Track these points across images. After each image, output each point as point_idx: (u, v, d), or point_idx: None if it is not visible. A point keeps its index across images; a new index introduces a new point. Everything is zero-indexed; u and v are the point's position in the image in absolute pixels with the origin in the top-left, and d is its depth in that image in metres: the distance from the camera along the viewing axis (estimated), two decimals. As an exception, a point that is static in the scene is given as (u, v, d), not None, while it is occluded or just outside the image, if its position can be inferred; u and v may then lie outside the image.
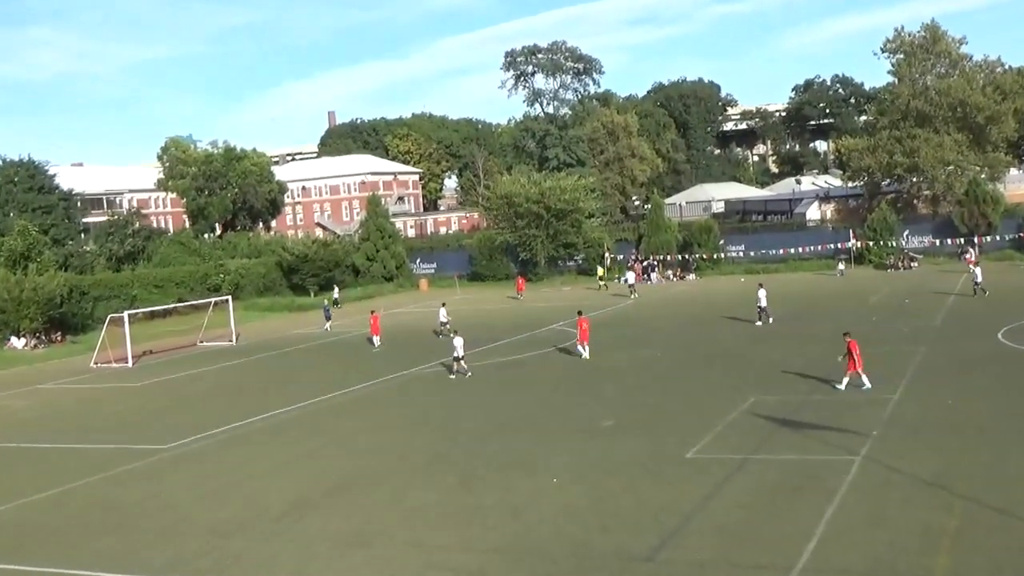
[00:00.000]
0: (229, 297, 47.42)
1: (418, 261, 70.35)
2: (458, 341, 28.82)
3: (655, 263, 59.80)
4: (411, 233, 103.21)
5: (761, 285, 36.80)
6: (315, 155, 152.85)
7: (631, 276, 52.96)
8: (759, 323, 35.05)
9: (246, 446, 21.92)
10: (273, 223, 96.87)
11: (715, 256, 59.81)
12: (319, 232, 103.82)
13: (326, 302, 48.19)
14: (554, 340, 35.13)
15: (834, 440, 17.84)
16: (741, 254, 60.86)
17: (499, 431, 21.24)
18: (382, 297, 60.77)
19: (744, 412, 20.89)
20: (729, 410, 21.08)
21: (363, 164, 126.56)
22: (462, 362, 28.49)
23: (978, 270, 40.58)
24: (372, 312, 39.96)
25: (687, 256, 60.13)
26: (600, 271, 57.89)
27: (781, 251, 58.80)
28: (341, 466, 19.18)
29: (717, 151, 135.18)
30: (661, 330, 36.38)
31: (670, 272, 59.61)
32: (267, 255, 67.69)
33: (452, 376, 28.48)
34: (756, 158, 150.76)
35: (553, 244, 62.49)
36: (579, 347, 30.48)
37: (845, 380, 22.35)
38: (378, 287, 64.27)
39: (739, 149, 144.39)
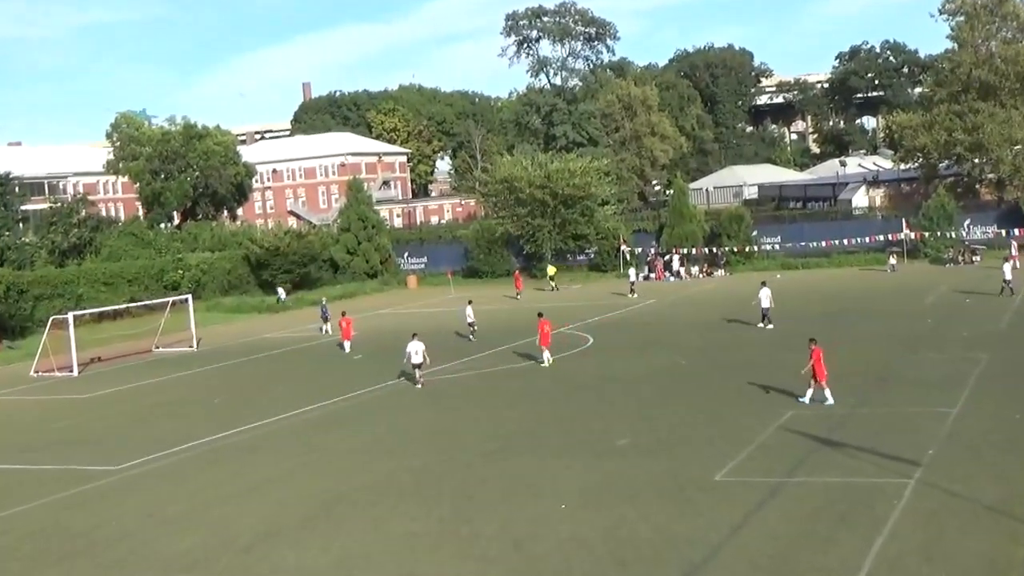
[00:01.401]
0: (189, 296, 47.65)
1: (406, 255, 70.44)
2: (416, 346, 29.36)
3: (678, 257, 60.10)
4: (398, 223, 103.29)
5: (764, 283, 37.18)
6: (288, 133, 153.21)
7: (632, 272, 53.07)
8: (764, 325, 35.50)
9: (210, 466, 22.03)
10: (239, 211, 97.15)
11: (747, 249, 59.80)
12: (292, 222, 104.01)
13: (324, 300, 48.38)
14: (561, 346, 35.32)
15: (883, 460, 17.86)
16: (777, 247, 60.88)
17: (499, 450, 21.33)
18: (364, 296, 60.99)
19: (779, 428, 20.92)
20: (762, 426, 21.11)
21: (342, 143, 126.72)
22: (418, 370, 29.29)
23: (1007, 266, 40.86)
24: (343, 314, 40.37)
25: (715, 249, 60.20)
26: (551, 270, 58.16)
27: (823, 243, 58.75)
28: (319, 490, 19.27)
29: (749, 129, 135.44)
30: (684, 333, 36.46)
31: (695, 268, 59.84)
32: (233, 248, 67.82)
33: (418, 385, 29.18)
34: (794, 136, 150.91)
35: (561, 235, 62.59)
36: (544, 354, 31.36)
37: (827, 391, 22.68)
38: (360, 285, 64.38)
39: (774, 126, 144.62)
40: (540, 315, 32.57)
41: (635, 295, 49.93)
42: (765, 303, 36.03)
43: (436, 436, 23.18)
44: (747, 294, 45.90)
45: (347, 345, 38.30)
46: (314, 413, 26.97)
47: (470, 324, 38.37)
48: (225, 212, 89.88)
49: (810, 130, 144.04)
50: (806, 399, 22.80)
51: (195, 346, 43.70)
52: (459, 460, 20.68)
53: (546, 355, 31.25)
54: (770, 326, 35.60)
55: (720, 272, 58.84)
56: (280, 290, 59.43)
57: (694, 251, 60.33)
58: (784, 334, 34.12)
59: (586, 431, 22.31)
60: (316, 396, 29.04)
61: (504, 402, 26.57)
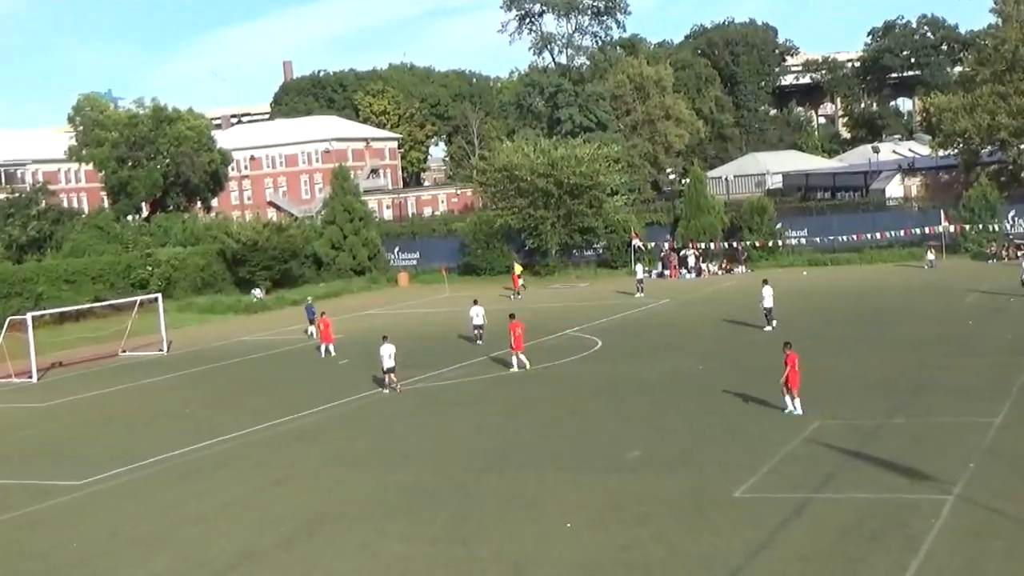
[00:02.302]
0: (159, 295, 47.63)
1: (396, 250, 70.56)
2: (387, 349, 29.82)
3: (695, 252, 60.12)
4: (388, 215, 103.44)
5: (766, 281, 37.48)
6: (267, 117, 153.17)
7: (639, 269, 53.09)
8: (769, 328, 35.86)
9: (181, 482, 22.00)
10: (214, 202, 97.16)
11: (770, 244, 59.87)
12: (272, 213, 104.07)
13: (310, 300, 48.33)
14: (567, 350, 35.23)
15: (919, 475, 17.85)
16: (803, 240, 60.86)
17: (498, 463, 21.32)
18: (351, 295, 61.06)
19: (806, 440, 20.93)
20: (787, 437, 21.12)
21: (327, 128, 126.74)
22: (392, 375, 29.87)
23: None
24: (322, 315, 40.55)
25: (735, 244, 60.25)
26: (517, 268, 58.22)
27: (854, 237, 58.73)
28: (300, 508, 19.27)
29: (773, 112, 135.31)
30: (701, 336, 36.53)
31: (713, 264, 59.88)
32: (207, 242, 67.76)
33: (386, 391, 29.84)
34: (822, 120, 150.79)
35: (566, 229, 62.61)
36: (513, 357, 31.95)
37: (796, 401, 23.02)
38: (345, 283, 64.39)
39: (801, 109, 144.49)
40: (512, 316, 32.95)
41: (642, 294, 49.99)
42: (768, 302, 36.43)
43: (429, 448, 23.17)
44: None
45: (328, 348, 38.33)
46: (295, 424, 26.99)
47: (477, 327, 37.92)
48: (198, 203, 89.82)
49: (840, 113, 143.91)
50: (796, 408, 22.99)
51: (165, 350, 43.66)
52: (454, 475, 20.64)
53: (520, 359, 31.81)
54: (771, 327, 35.92)
55: (740, 269, 58.80)
56: (256, 289, 59.48)
57: (712, 246, 60.32)
58: (812, 337, 34.14)
59: (593, 443, 22.33)
60: (297, 405, 29.03)
61: (504, 411, 26.57)
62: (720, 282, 55.19)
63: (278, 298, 58.99)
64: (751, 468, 19.13)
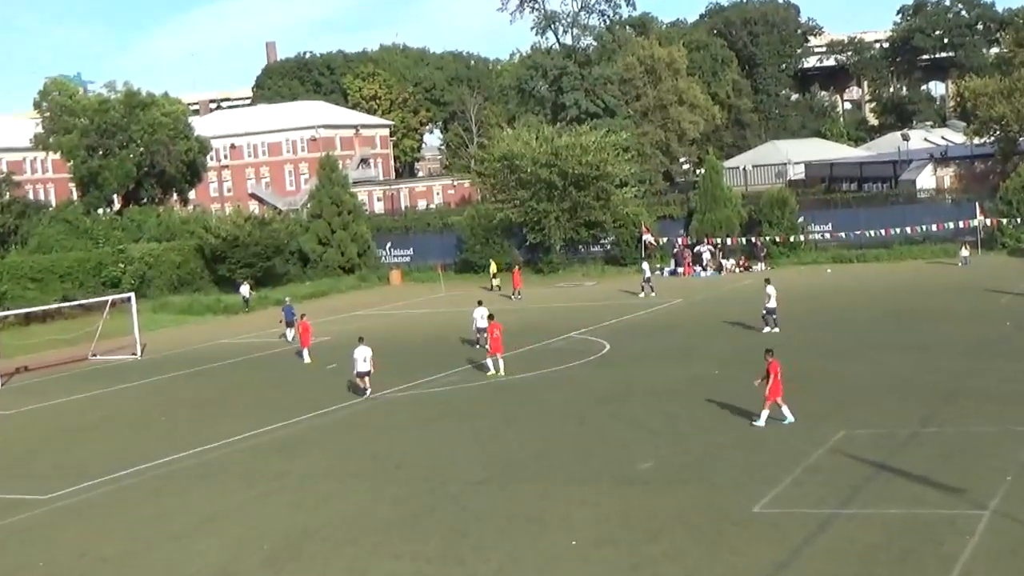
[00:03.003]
0: (132, 295, 47.55)
1: (388, 246, 70.58)
2: (362, 351, 30.20)
3: (710, 248, 60.13)
4: (379, 208, 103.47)
5: (768, 281, 37.91)
6: (248, 102, 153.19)
7: (645, 267, 52.85)
8: (768, 329, 36.18)
9: (156, 497, 21.94)
10: (192, 194, 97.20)
11: (792, 239, 59.77)
12: (254, 206, 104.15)
13: (287, 300, 48.19)
14: (572, 354, 35.09)
15: (953, 488, 17.81)
16: (828, 235, 60.93)
17: (498, 476, 21.29)
18: (339, 295, 61.15)
19: (830, 450, 20.94)
20: (810, 448, 21.11)
21: (313, 114, 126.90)
22: (367, 379, 30.34)
23: None
24: (302, 317, 40.63)
25: (753, 239, 60.25)
26: (493, 267, 58.28)
27: (882, 232, 58.69)
28: (284, 524, 19.24)
29: (795, 96, 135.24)
30: (718, 338, 36.52)
31: (730, 261, 59.91)
32: (184, 238, 67.88)
33: (364, 395, 30.34)
34: (848, 106, 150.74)
35: (572, 223, 62.64)
36: (488, 360, 32.48)
37: (764, 413, 23.28)
38: (334, 281, 64.46)
39: (825, 93, 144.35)
40: (491, 317, 33.33)
41: (652, 293, 49.76)
42: (771, 303, 36.62)
43: (423, 460, 23.07)
44: (792, 292, 45.87)
45: (306, 354, 38.12)
46: (278, 433, 26.91)
47: (480, 331, 37.31)
48: (175, 195, 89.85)
49: (867, 98, 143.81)
50: (761, 421, 23.18)
51: (139, 354, 43.65)
52: (451, 488, 20.60)
53: (496, 363, 32.18)
54: (776, 329, 36.10)
55: (759, 266, 58.66)
56: (243, 287, 58.75)
57: (729, 241, 60.40)
58: (836, 340, 34.27)
59: (602, 453, 22.28)
60: (281, 413, 28.93)
61: (504, 420, 26.49)
62: (737, 280, 55.01)
63: (261, 297, 58.90)
64: (771, 481, 19.09)
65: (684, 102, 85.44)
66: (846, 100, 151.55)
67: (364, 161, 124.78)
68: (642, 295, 49.99)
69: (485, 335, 37.01)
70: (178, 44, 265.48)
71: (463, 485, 20.78)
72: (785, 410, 23.25)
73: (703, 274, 58.57)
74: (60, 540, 19.45)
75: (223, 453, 25.28)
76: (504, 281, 56.55)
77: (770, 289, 36.99)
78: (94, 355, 44.03)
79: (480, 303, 38.87)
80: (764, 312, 36.95)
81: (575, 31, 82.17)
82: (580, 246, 64.24)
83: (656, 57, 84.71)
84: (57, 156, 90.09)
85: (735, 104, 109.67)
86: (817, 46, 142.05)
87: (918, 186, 68.84)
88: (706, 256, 59.82)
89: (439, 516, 18.91)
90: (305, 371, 36.78)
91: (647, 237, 61.09)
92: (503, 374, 31.99)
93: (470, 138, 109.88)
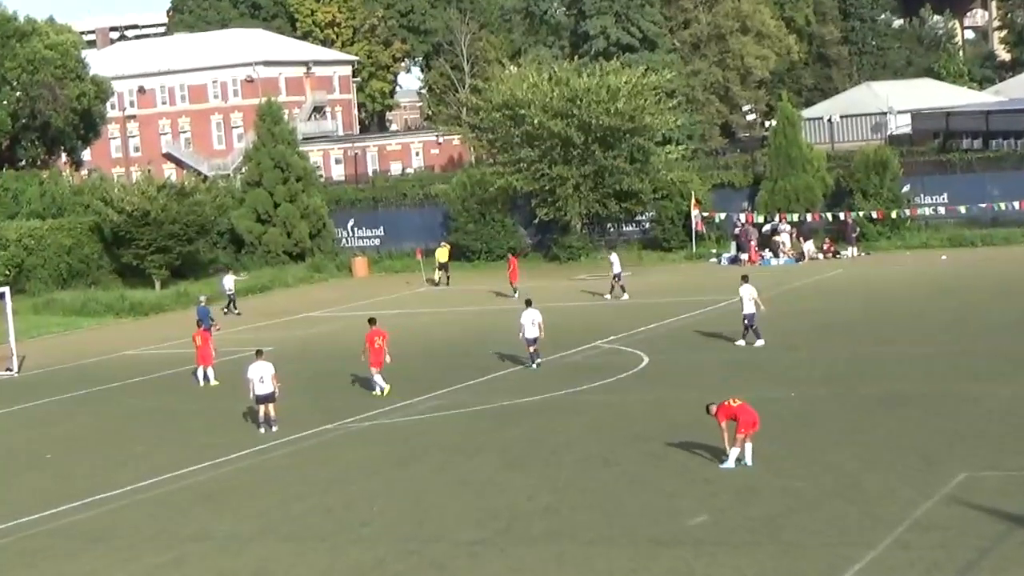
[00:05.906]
0: (5, 290, 46.38)
1: (351, 225, 69.37)
2: (261, 369, 30.52)
3: (787, 227, 59.46)
4: (338, 173, 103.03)
5: (746, 279, 37.51)
6: (163, 31, 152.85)
7: (615, 259, 50.07)
8: (745, 342, 36.31)
9: (34, 563, 21.26)
10: (86, 155, 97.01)
11: (894, 215, 58.81)
12: (171, 171, 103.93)
13: (203, 300, 47.62)
14: (601, 370, 34.29)
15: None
16: (942, 210, 59.52)
17: (498, 535, 20.65)
18: (284, 290, 59.72)
19: (947, 498, 20.40)
20: (919, 496, 20.57)
21: (249, 47, 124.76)
22: (270, 406, 30.68)
23: None
24: (212, 326, 40.35)
25: (843, 215, 59.33)
26: (442, 254, 57.81)
27: (1015, 205, 57.69)
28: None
29: (898, 22, 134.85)
30: (794, 350, 35.63)
31: (812, 244, 58.60)
32: (76, 213, 66.74)
33: (261, 430, 30.60)
34: (970, 35, 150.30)
35: (596, 194, 60.92)
36: (376, 376, 32.79)
37: (733, 451, 23.89)
38: (277, 272, 62.38)
39: (939, 18, 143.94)
40: (372, 322, 33.33)
41: (623, 295, 48.10)
42: (748, 307, 35.88)
43: (398, 514, 22.30)
44: (894, 286, 45.86)
45: (209, 373, 37.28)
46: (201, 478, 25.96)
47: (531, 342, 35.84)
48: (63, 156, 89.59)
49: (995, 23, 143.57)
50: (747, 460, 23.58)
51: (14, 369, 42.39)
52: (432, 552, 20.03)
53: (378, 380, 32.81)
54: (759, 342, 35.74)
55: (851, 251, 56.59)
56: (227, 279, 56.03)
57: (810, 217, 59.50)
58: (955, 352, 33.52)
59: (638, 504, 21.62)
60: (204, 451, 27.93)
61: (507, 459, 25.57)
62: (821, 270, 52.69)
63: (179, 294, 58.39)
64: (868, 541, 18.66)
65: (749, 30, 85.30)
66: (967, 27, 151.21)
67: (318, 110, 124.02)
68: (609, 296, 47.99)
69: (537, 348, 35.16)
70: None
71: (451, 547, 20.21)
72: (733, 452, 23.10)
73: (775, 262, 57.43)
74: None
75: (124, 504, 24.44)
76: (494, 272, 56.45)
77: (745, 290, 36.31)
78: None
79: (529, 303, 36.48)
80: (745, 319, 36.50)
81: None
82: (609, 225, 63.13)
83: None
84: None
85: (817, 33, 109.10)
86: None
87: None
88: (783, 239, 58.44)
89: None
90: (237, 393, 36.39)
91: (696, 213, 60.75)
92: (387, 391, 32.71)
93: (460, 79, 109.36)
